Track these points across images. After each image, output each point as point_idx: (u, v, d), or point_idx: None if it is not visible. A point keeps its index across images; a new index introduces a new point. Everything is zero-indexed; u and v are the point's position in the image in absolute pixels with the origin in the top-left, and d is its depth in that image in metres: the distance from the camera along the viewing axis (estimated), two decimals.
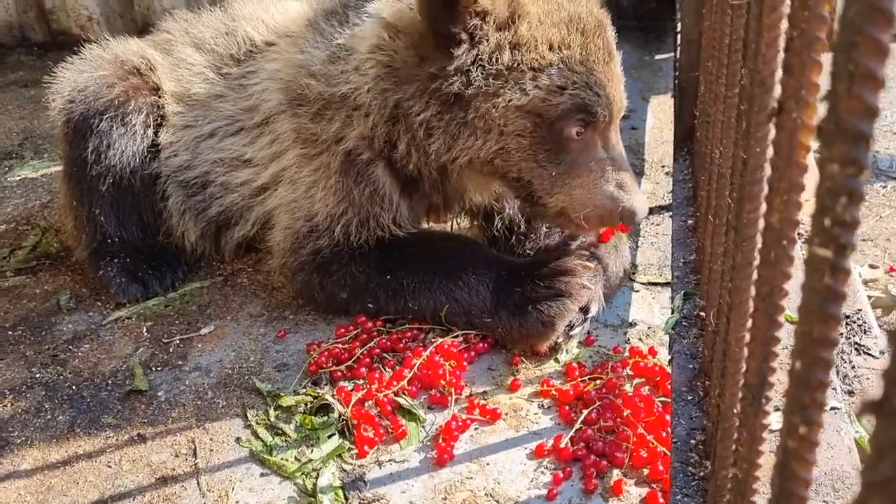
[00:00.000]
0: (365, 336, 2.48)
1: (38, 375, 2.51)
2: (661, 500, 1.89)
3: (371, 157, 2.50)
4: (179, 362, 2.52)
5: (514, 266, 2.47)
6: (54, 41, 5.84)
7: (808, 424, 0.75)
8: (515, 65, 2.23)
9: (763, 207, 1.16)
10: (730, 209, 1.51)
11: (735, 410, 1.35)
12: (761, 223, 1.14)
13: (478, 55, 2.24)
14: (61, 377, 2.50)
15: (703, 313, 2.00)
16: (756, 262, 1.12)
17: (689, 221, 2.61)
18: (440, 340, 2.41)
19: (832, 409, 1.63)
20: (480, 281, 2.43)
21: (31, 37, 6.06)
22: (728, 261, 1.51)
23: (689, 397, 1.89)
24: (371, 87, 2.40)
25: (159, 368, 2.50)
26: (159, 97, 2.91)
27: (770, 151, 1.12)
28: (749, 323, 1.19)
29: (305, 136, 2.57)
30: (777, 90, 0.99)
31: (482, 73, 2.24)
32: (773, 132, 0.98)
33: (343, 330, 2.52)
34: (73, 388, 2.44)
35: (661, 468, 1.96)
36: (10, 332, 2.75)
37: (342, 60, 2.49)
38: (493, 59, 2.23)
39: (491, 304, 2.40)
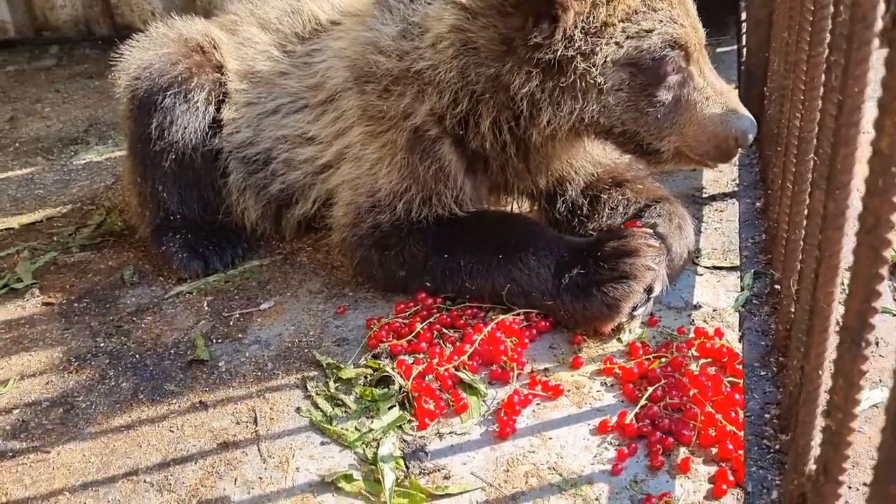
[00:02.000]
0: (425, 312, 2.47)
1: (102, 344, 2.55)
2: (732, 478, 1.83)
3: (438, 134, 2.49)
4: (239, 335, 2.54)
5: (575, 246, 2.43)
6: (118, 35, 5.91)
7: None
8: (609, 19, 2.23)
9: (859, 151, 1.12)
10: (815, 168, 1.46)
11: (820, 372, 1.30)
12: (856, 170, 1.10)
13: (578, 17, 2.23)
14: (125, 346, 2.53)
15: (777, 286, 1.94)
16: (849, 205, 1.08)
17: (758, 204, 2.55)
18: (501, 317, 2.38)
19: None
20: (541, 262, 2.39)
21: (96, 31, 6.22)
22: (814, 221, 1.45)
23: (762, 373, 1.83)
24: (448, 65, 2.39)
25: (220, 340, 2.52)
26: (222, 74, 2.96)
27: (867, 90, 1.08)
28: (839, 278, 1.15)
29: (371, 113, 2.57)
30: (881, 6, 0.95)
31: (582, 35, 2.23)
32: (873, 59, 0.93)
33: (403, 306, 2.51)
34: (137, 356, 2.48)
35: (730, 447, 1.90)
36: (75, 304, 2.80)
37: (415, 37, 2.48)
38: (591, 18, 2.23)
39: (552, 286, 2.37)
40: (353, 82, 2.61)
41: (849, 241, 1.06)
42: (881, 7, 1.05)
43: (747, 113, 2.36)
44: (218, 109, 2.94)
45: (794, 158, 1.74)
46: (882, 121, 0.89)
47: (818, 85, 1.54)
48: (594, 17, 2.23)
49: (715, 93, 2.36)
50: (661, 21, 2.26)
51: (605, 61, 2.24)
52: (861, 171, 1.02)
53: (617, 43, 2.24)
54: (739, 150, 2.36)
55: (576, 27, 2.23)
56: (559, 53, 2.24)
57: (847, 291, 1.03)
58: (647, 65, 2.26)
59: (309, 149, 2.79)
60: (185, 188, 2.96)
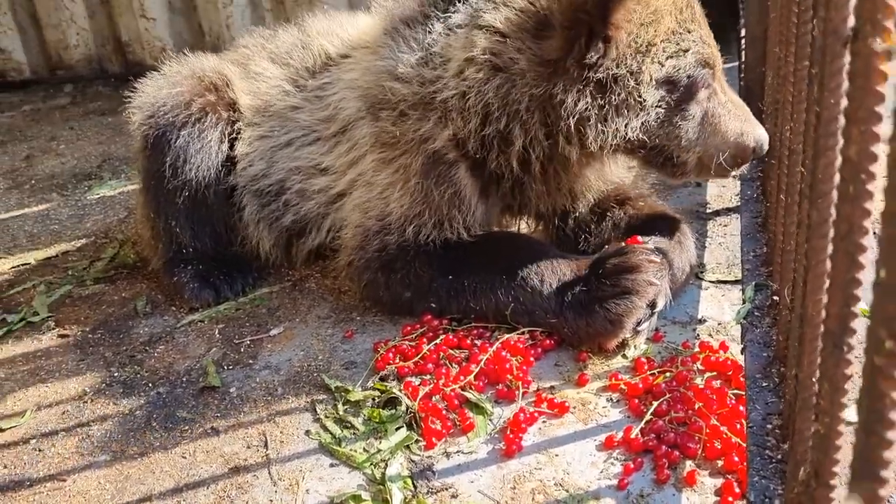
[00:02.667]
0: (431, 334, 2.49)
1: (116, 374, 2.60)
2: (738, 490, 1.84)
3: (455, 158, 2.53)
4: (250, 361, 2.58)
5: (577, 264, 2.46)
6: (130, 72, 6.02)
7: (894, 338, 0.73)
8: (653, 38, 2.34)
9: (838, 161, 1.14)
10: (802, 178, 1.49)
11: (813, 379, 1.32)
12: (836, 179, 1.12)
13: (629, 37, 2.32)
14: (138, 375, 2.57)
15: (776, 297, 1.96)
16: (832, 214, 1.10)
17: (759, 217, 2.57)
18: (506, 336, 2.41)
19: None
20: (543, 281, 2.42)
21: (109, 69, 6.35)
22: (803, 232, 1.48)
23: (764, 384, 1.85)
24: (479, 90, 2.41)
25: (231, 367, 2.56)
26: (235, 111, 3.01)
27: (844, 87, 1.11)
28: (827, 283, 1.17)
29: (384, 140, 2.60)
30: (851, 20, 0.98)
31: (632, 53, 2.32)
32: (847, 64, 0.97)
33: (409, 328, 2.54)
34: (150, 385, 2.52)
35: (736, 459, 1.91)
36: (90, 336, 2.85)
37: (438, 66, 2.50)
38: (639, 38, 2.32)
39: (555, 304, 2.39)
40: (367, 111, 2.64)
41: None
42: (851, 21, 1.09)
43: (757, 122, 2.50)
44: (231, 147, 2.99)
45: (786, 170, 1.76)
46: (849, 129, 0.92)
47: (804, 98, 1.57)
48: (641, 37, 2.32)
49: (734, 106, 2.50)
50: (695, 41, 2.39)
51: (649, 79, 2.34)
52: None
53: (659, 62, 2.34)
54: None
55: (628, 46, 2.31)
56: (611, 72, 2.31)
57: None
58: (682, 82, 2.38)
59: (322, 179, 2.83)
60: (198, 224, 3.00)
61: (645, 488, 1.90)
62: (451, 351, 2.43)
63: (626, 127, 2.37)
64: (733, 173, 2.54)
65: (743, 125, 2.48)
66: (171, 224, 2.99)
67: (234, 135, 3.00)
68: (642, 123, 2.38)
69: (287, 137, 2.91)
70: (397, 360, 2.40)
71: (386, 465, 2.03)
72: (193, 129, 2.92)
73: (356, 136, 2.70)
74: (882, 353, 0.73)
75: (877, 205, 0.90)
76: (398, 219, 2.60)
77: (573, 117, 2.35)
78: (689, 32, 2.39)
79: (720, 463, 1.94)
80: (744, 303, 2.17)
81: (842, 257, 0.97)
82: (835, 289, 1.00)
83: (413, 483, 1.98)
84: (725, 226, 3.03)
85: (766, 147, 2.49)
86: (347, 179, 2.76)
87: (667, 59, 2.35)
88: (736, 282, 2.63)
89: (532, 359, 2.36)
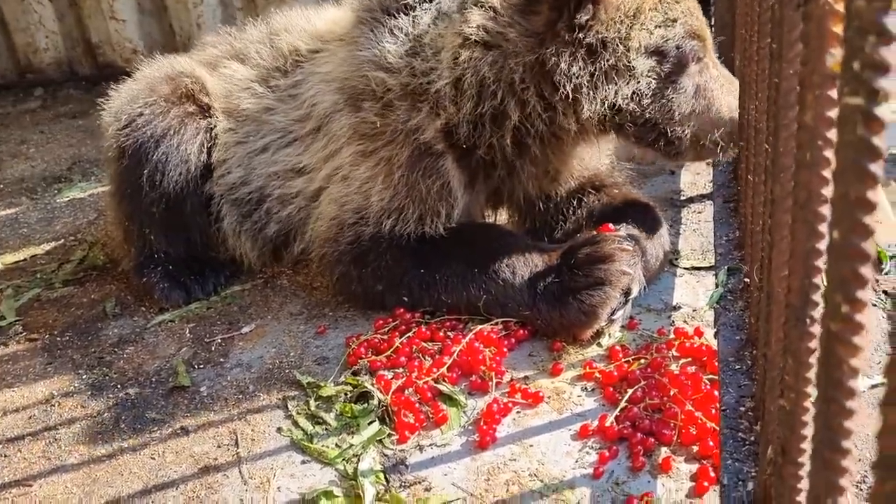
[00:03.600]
0: (404, 327, 2.46)
1: (84, 377, 2.55)
2: (713, 475, 1.82)
3: (443, 149, 2.49)
4: (221, 359, 2.53)
5: (549, 254, 2.44)
6: (101, 74, 6.02)
7: (850, 302, 0.70)
8: (641, 5, 2.33)
9: (795, 128, 1.12)
10: (767, 155, 1.47)
11: (779, 361, 1.30)
12: (795, 149, 1.10)
13: (618, 2, 2.32)
14: (107, 377, 2.52)
15: (747, 280, 1.94)
16: (791, 185, 1.08)
17: (731, 202, 2.56)
18: (480, 327, 2.38)
19: None
20: (515, 273, 2.39)
21: (80, 71, 6.27)
22: (768, 209, 1.46)
23: (737, 367, 1.83)
24: (474, 69, 2.38)
25: (201, 366, 2.52)
26: (211, 117, 2.93)
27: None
28: (788, 254, 1.15)
29: (364, 132, 2.55)
30: None
31: (621, 17, 2.31)
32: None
33: (382, 322, 2.51)
34: (118, 387, 2.47)
35: (711, 444, 1.89)
36: (58, 339, 2.80)
37: (430, 58, 2.46)
38: (625, 3, 2.32)
39: (528, 296, 2.37)
40: (345, 103, 2.59)
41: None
42: None
43: None
44: (209, 155, 2.91)
45: (753, 150, 1.75)
46: (804, 95, 0.90)
47: (767, 75, 1.55)
48: (629, 2, 2.32)
49: (727, 81, 2.49)
50: (683, 12, 2.38)
51: (638, 46, 2.32)
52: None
53: (648, 30, 2.33)
54: None
55: (616, 9, 2.30)
56: (601, 35, 2.30)
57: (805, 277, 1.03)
58: (671, 53, 2.36)
59: (300, 179, 2.76)
60: (173, 231, 2.93)
61: (620, 476, 1.88)
62: (423, 343, 2.40)
63: (616, 94, 2.35)
64: (729, 152, 2.52)
65: (737, 101, 2.40)
66: (145, 231, 2.92)
67: (211, 142, 2.92)
68: (633, 92, 2.36)
69: (263, 142, 2.83)
70: (370, 355, 2.37)
71: (358, 460, 2.00)
72: (172, 141, 2.83)
73: (333, 130, 2.64)
74: (838, 318, 0.71)
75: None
76: (377, 212, 2.56)
77: (569, 83, 2.33)
78: (678, 3, 2.38)
79: (695, 448, 1.92)
80: (717, 287, 2.16)
81: (801, 227, 0.95)
82: (796, 260, 0.98)
83: (386, 477, 1.95)
84: (699, 213, 3.02)
85: None
86: (324, 174, 2.70)
87: (655, 27, 2.34)
88: (710, 268, 2.62)
89: (506, 349, 2.34)
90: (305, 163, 2.75)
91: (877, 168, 0.65)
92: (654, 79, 2.36)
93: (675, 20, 2.36)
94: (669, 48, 2.35)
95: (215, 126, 2.92)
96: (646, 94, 2.37)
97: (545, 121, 2.42)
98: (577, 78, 2.32)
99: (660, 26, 2.34)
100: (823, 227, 0.94)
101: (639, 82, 2.35)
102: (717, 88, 2.45)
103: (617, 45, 2.31)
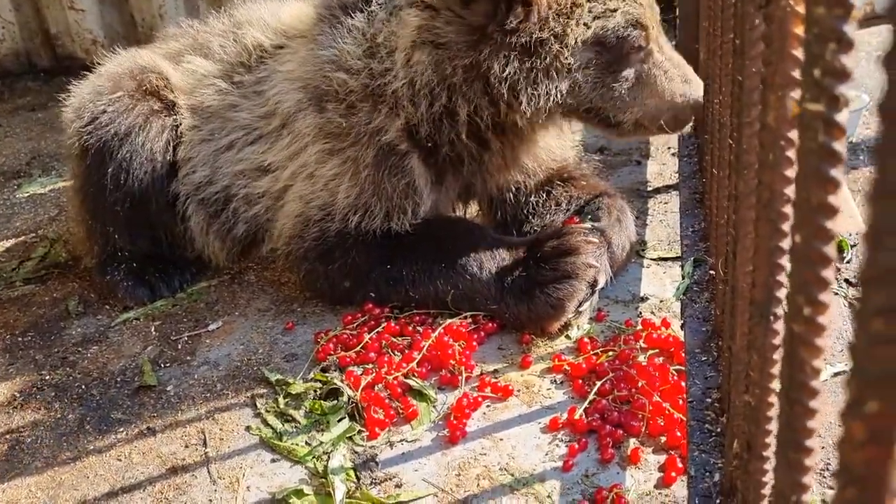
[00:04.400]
0: (373, 322, 2.45)
1: (47, 377, 2.50)
2: (681, 466, 1.84)
3: (407, 149, 2.47)
4: (188, 358, 2.50)
5: (516, 248, 2.44)
6: (60, 66, 5.89)
7: (812, 304, 0.71)
8: (573, 3, 2.29)
9: (758, 127, 1.13)
10: (731, 150, 1.48)
11: (744, 356, 1.31)
12: (758, 148, 1.11)
13: (551, 0, 2.28)
14: (70, 378, 2.48)
15: (712, 272, 1.96)
16: (755, 182, 1.09)
17: (696, 194, 2.58)
18: (448, 321, 2.38)
19: None
20: (483, 267, 2.39)
21: (38, 63, 6.12)
22: (732, 204, 1.47)
23: (703, 358, 1.85)
24: (423, 70, 2.36)
25: (168, 365, 2.48)
26: (176, 114, 2.86)
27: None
28: (752, 250, 1.16)
29: (329, 130, 2.52)
30: None
31: (555, 16, 2.28)
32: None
33: (350, 317, 2.50)
34: (83, 387, 2.43)
35: (678, 435, 1.91)
36: (19, 339, 2.74)
37: (385, 59, 2.43)
38: (560, 1, 2.27)
39: (496, 290, 2.37)
40: (309, 102, 2.55)
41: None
42: None
43: (699, 80, 2.47)
44: (175, 152, 2.85)
45: (717, 144, 1.76)
46: (767, 96, 0.91)
47: (731, 71, 1.56)
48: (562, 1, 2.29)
49: (672, 66, 2.46)
50: (624, 1, 2.33)
51: (574, 41, 2.30)
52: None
53: (585, 24, 2.30)
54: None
55: (549, 8, 2.27)
56: (534, 36, 2.27)
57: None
58: (611, 43, 2.33)
59: (266, 178, 2.72)
60: (138, 229, 2.87)
61: (590, 468, 1.89)
62: (393, 339, 2.39)
63: (555, 90, 2.33)
64: (678, 132, 2.56)
65: (682, 86, 2.45)
66: (108, 229, 2.86)
67: (176, 140, 2.86)
68: (571, 86, 2.34)
69: (228, 139, 2.78)
70: (339, 351, 2.35)
71: (328, 457, 1.99)
72: (136, 140, 2.77)
73: (298, 129, 2.60)
74: (800, 320, 0.72)
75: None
76: (343, 208, 2.53)
77: (504, 83, 2.32)
78: None
79: (663, 439, 1.94)
80: (683, 279, 2.18)
81: (765, 225, 0.96)
82: (760, 257, 0.99)
83: (356, 474, 1.94)
84: (666, 203, 3.04)
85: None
86: (289, 173, 2.65)
87: (593, 19, 2.30)
88: (677, 258, 2.64)
89: (475, 343, 2.34)
90: (270, 161, 2.70)
91: (837, 173, 0.66)
92: (593, 70, 2.35)
93: (614, 10, 2.32)
94: (609, 38, 2.33)
95: (180, 123, 2.86)
96: (585, 86, 2.36)
97: (493, 116, 2.43)
98: (513, 78, 2.32)
99: (598, 17, 2.31)
100: (786, 227, 0.95)
101: (577, 76, 2.34)
102: (661, 75, 2.43)
103: (552, 44, 2.29)
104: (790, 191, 0.93)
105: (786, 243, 0.97)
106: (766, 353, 1.02)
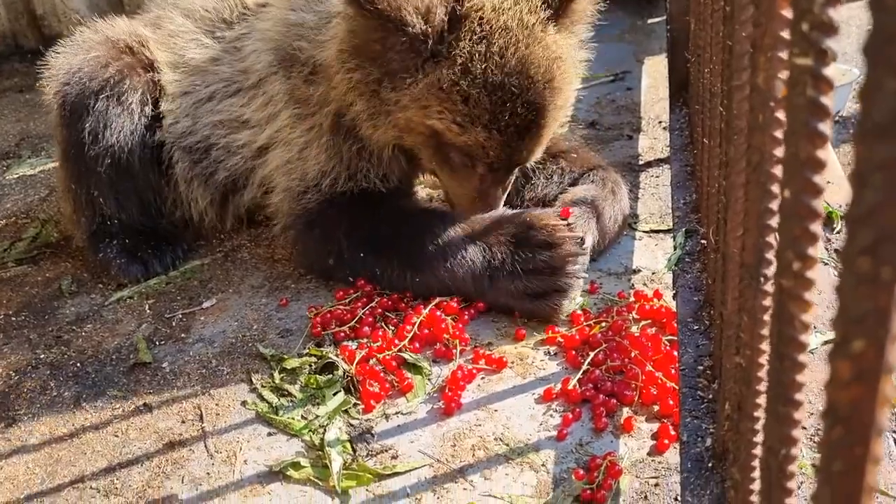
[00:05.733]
0: (366, 299, 2.46)
1: (42, 356, 2.51)
2: (674, 433, 1.86)
3: (355, 119, 2.48)
4: (183, 335, 2.51)
5: (497, 244, 2.36)
6: (47, 47, 5.79)
7: (801, 259, 0.72)
8: (429, 90, 2.24)
9: (748, 90, 1.14)
10: (721, 118, 1.49)
11: (735, 320, 1.32)
12: (748, 111, 1.12)
13: (396, 62, 2.25)
14: (65, 356, 2.49)
15: (703, 241, 1.97)
16: (745, 146, 1.10)
17: (688, 166, 2.59)
18: (440, 298, 2.39)
19: None
20: (462, 266, 2.36)
21: (25, 44, 6.08)
22: (722, 172, 1.48)
23: (696, 327, 1.86)
24: (340, 54, 2.37)
25: (163, 342, 2.49)
26: (155, 71, 2.91)
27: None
28: (742, 214, 1.17)
29: (297, 97, 2.57)
30: None
31: (398, 83, 2.27)
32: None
33: (343, 293, 2.50)
34: (78, 365, 2.43)
35: (671, 403, 1.94)
36: (13, 318, 2.74)
37: (327, 28, 2.47)
38: (413, 75, 2.24)
39: (477, 293, 2.37)
40: (279, 66, 2.60)
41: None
42: None
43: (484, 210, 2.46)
44: (155, 106, 2.89)
45: (708, 113, 1.77)
46: (756, 57, 0.91)
47: (721, 38, 1.56)
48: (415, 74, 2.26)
49: (490, 203, 2.48)
50: (471, 136, 2.29)
51: (412, 116, 2.33)
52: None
53: (427, 112, 2.29)
54: None
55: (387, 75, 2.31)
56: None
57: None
58: (441, 140, 2.36)
59: (245, 133, 2.77)
60: (123, 193, 2.89)
61: (584, 437, 1.91)
62: (387, 313, 2.40)
63: (384, 132, 2.43)
64: None
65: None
66: (93, 194, 2.87)
67: (156, 94, 2.91)
68: (400, 136, 2.42)
69: (208, 91, 2.84)
70: (333, 325, 2.36)
71: (324, 430, 2.01)
72: (112, 93, 2.81)
73: (270, 91, 2.67)
74: (789, 275, 0.73)
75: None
76: (316, 175, 2.59)
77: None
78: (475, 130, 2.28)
79: (656, 408, 1.96)
80: (675, 250, 2.19)
81: (754, 188, 0.97)
82: (750, 220, 1.00)
83: (352, 447, 1.96)
84: (657, 177, 3.05)
85: None
86: (267, 134, 2.72)
87: (436, 115, 2.30)
88: (668, 231, 2.65)
89: (467, 317, 2.35)
90: (248, 116, 2.75)
91: (825, 128, 0.66)
92: (420, 139, 2.41)
93: (462, 127, 2.30)
94: (441, 137, 2.37)
95: (159, 79, 2.91)
96: (416, 145, 2.45)
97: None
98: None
99: (438, 120, 2.32)
100: (776, 188, 0.96)
101: (407, 135, 2.40)
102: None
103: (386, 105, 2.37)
104: (780, 152, 0.94)
105: (775, 204, 0.98)
106: (757, 315, 1.04)
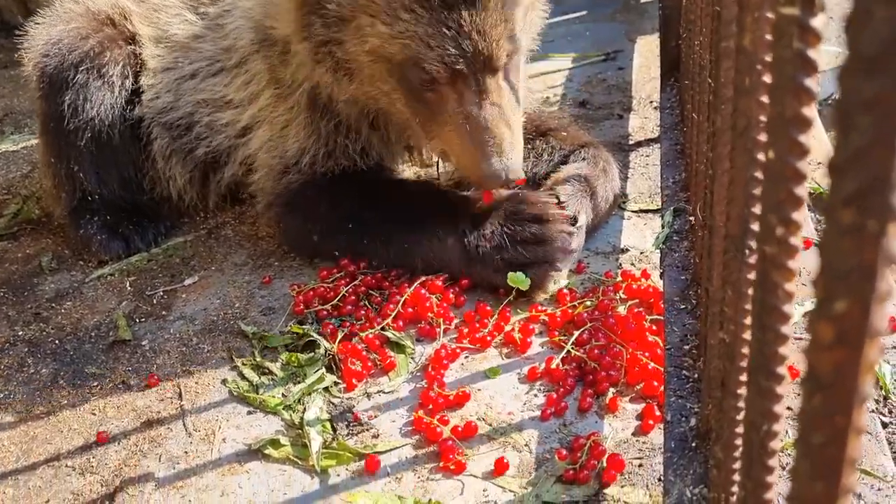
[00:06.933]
0: (349, 278, 2.42)
1: (20, 333, 2.46)
2: (658, 414, 1.84)
3: (328, 92, 2.44)
4: (163, 313, 2.47)
5: (485, 217, 2.31)
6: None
7: (785, 224, 0.69)
8: (350, 11, 2.18)
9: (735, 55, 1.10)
10: (710, 89, 1.45)
11: (720, 295, 1.29)
12: (734, 74, 1.08)
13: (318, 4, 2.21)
14: (44, 333, 2.45)
15: (691, 219, 1.94)
16: (731, 111, 1.06)
17: (677, 145, 2.55)
18: (425, 277, 2.35)
19: None
20: (448, 238, 2.31)
21: (10, 20, 5.98)
22: (710, 143, 1.45)
23: (682, 306, 1.83)
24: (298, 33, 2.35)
25: (143, 320, 2.45)
26: (136, 45, 2.86)
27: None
28: (728, 183, 1.13)
29: (277, 77, 2.55)
30: None
31: (321, 21, 2.23)
32: None
33: (326, 272, 2.46)
34: (56, 342, 2.39)
35: (655, 385, 1.91)
36: None
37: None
38: (331, 4, 2.20)
39: (462, 264, 2.32)
40: (260, 44, 2.57)
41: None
42: None
43: (505, 160, 2.17)
44: (135, 80, 2.84)
45: (697, 87, 1.73)
46: (743, 18, 0.88)
47: (710, 9, 1.52)
48: (332, 6, 2.21)
49: (472, 127, 2.17)
50: (406, 33, 2.12)
51: (353, 49, 2.24)
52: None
53: (361, 37, 2.20)
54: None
55: (312, 13, 2.25)
56: (320, 33, 2.28)
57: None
58: (398, 65, 2.20)
59: (229, 112, 2.73)
60: (103, 167, 2.84)
61: (568, 417, 1.88)
62: (371, 291, 2.36)
63: (355, 90, 2.38)
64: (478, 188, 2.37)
65: (480, 153, 2.16)
66: (73, 169, 2.81)
67: (138, 68, 2.85)
68: (370, 90, 2.35)
69: (191, 68, 2.79)
70: (316, 304, 2.33)
71: (305, 409, 1.97)
72: (93, 65, 2.75)
73: (252, 70, 2.64)
74: (772, 241, 0.69)
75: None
76: (296, 152, 2.55)
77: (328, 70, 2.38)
78: (402, 21, 2.13)
79: (641, 388, 1.93)
80: (663, 228, 2.16)
81: (740, 154, 0.93)
82: (735, 188, 0.96)
83: (333, 425, 1.93)
84: (647, 156, 3.01)
85: (497, 183, 2.21)
86: (250, 114, 2.69)
87: (372, 36, 2.18)
88: (657, 210, 2.62)
89: (451, 295, 2.31)
90: (231, 96, 2.72)
91: (812, 83, 0.63)
92: (385, 85, 2.34)
93: (394, 37, 2.19)
94: (394, 61, 2.25)
95: (141, 53, 2.85)
96: (381, 97, 2.38)
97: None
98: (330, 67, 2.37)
99: (375, 37, 2.21)
100: (762, 156, 0.92)
101: (370, 84, 2.35)
102: (460, 129, 2.21)
103: (334, 48, 2.31)
104: (766, 116, 0.90)
105: (762, 173, 0.94)
106: (742, 288, 1.00)
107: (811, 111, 0.64)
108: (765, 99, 0.89)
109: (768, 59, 0.88)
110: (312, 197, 2.50)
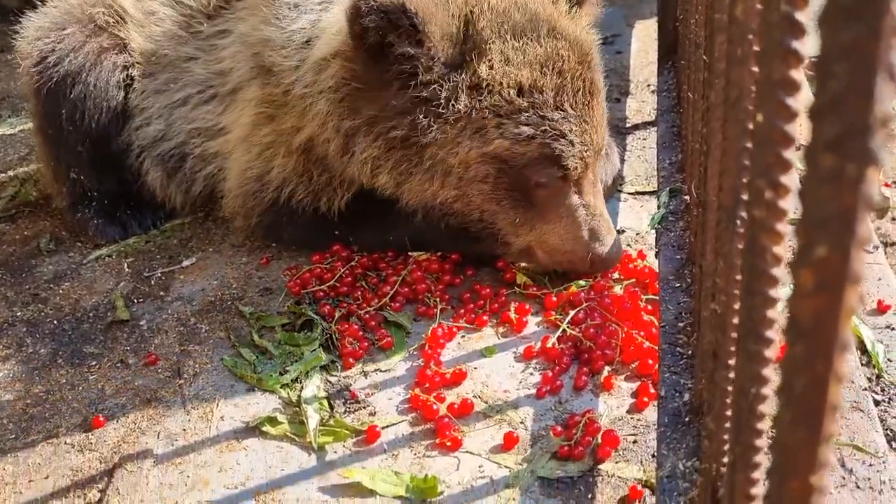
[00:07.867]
0: (344, 261, 2.42)
1: (18, 314, 2.47)
2: (653, 391, 1.85)
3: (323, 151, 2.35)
4: (161, 293, 2.48)
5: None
6: (29, 6, 5.71)
7: (773, 188, 0.70)
8: (474, 110, 2.06)
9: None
10: (705, 66, 1.45)
11: (713, 264, 1.30)
12: (726, 45, 1.09)
13: (422, 99, 2.07)
14: (42, 314, 2.45)
15: (687, 198, 1.95)
16: (724, 83, 1.07)
17: (674, 127, 2.56)
18: (421, 257, 2.36)
19: None
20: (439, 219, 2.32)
21: (6, 4, 5.93)
22: (705, 119, 1.45)
23: (677, 285, 1.85)
24: (327, 98, 2.22)
25: (141, 301, 2.46)
26: (129, 54, 2.77)
27: None
28: (721, 155, 1.14)
29: (270, 99, 2.43)
30: None
31: (434, 120, 2.07)
32: None
33: (319, 256, 2.46)
34: (55, 322, 2.40)
35: (650, 363, 1.92)
36: None
37: (301, 50, 2.31)
38: (448, 105, 2.05)
39: (452, 239, 2.35)
40: (257, 72, 2.45)
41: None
42: None
43: (614, 242, 2.20)
44: (126, 95, 2.76)
45: (693, 66, 1.74)
46: None
47: None
48: (452, 105, 2.06)
49: (587, 214, 2.18)
50: (547, 132, 2.06)
51: (468, 152, 2.10)
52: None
53: (484, 138, 2.08)
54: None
55: (418, 110, 2.10)
56: (404, 132, 2.13)
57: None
58: (518, 168, 2.10)
59: (220, 139, 2.65)
60: (103, 170, 2.81)
61: (563, 395, 1.90)
62: (367, 272, 2.37)
63: (433, 193, 2.23)
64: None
65: (587, 238, 2.17)
66: (74, 171, 2.80)
67: (129, 81, 2.76)
68: (460, 194, 2.22)
69: (183, 94, 2.68)
70: (313, 284, 2.34)
71: (302, 387, 1.99)
72: (88, 79, 2.68)
73: (246, 97, 2.52)
74: (761, 204, 0.70)
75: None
76: (277, 181, 2.47)
77: (367, 164, 2.26)
78: (545, 120, 2.06)
79: (636, 366, 1.95)
80: (658, 208, 2.17)
81: (732, 125, 0.94)
82: (728, 160, 0.97)
83: (330, 403, 1.94)
84: (644, 139, 3.02)
85: (610, 265, 2.22)
86: (235, 136, 2.59)
87: (498, 137, 2.07)
88: (654, 192, 2.63)
89: (447, 275, 2.33)
90: (224, 124, 2.62)
91: (800, 46, 0.63)
92: (488, 185, 2.21)
93: (532, 138, 2.08)
94: (515, 163, 2.13)
95: (133, 64, 2.76)
96: (476, 197, 2.22)
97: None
98: (377, 164, 2.26)
99: (505, 137, 2.11)
100: (753, 124, 0.93)
101: (468, 187, 2.19)
102: (570, 219, 2.20)
103: (436, 150, 2.15)
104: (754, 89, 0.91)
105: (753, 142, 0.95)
106: (733, 259, 1.01)
107: (799, 74, 0.65)
108: (755, 70, 0.90)
109: (757, 29, 0.89)
110: (292, 222, 2.51)
